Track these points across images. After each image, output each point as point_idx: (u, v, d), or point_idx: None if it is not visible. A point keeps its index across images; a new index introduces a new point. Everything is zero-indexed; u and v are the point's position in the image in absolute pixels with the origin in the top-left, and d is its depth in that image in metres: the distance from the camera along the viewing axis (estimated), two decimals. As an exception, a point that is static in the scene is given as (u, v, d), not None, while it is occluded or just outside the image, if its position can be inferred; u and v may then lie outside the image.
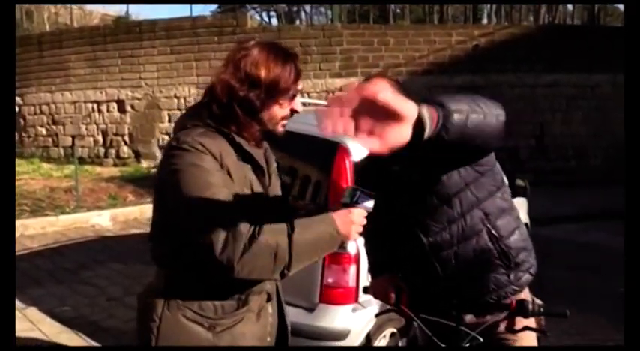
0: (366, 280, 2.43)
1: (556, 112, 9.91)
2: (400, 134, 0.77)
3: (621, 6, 22.23)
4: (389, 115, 0.76)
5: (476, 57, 9.43)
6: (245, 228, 1.20)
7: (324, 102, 4.68)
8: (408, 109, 0.78)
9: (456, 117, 1.03)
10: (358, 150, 2.48)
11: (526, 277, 1.60)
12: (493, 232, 1.54)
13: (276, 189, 1.50)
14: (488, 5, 21.05)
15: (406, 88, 1.64)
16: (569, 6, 22.48)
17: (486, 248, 1.54)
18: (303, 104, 4.16)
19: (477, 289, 1.57)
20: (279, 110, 1.37)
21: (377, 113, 0.75)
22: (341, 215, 1.30)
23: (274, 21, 23.34)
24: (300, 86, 1.41)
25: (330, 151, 2.55)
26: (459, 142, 1.06)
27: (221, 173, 1.26)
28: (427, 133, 0.93)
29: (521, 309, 1.50)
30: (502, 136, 1.22)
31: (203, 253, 1.19)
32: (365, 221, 1.34)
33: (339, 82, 9.32)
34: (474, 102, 1.13)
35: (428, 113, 0.94)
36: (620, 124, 10.47)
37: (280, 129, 1.41)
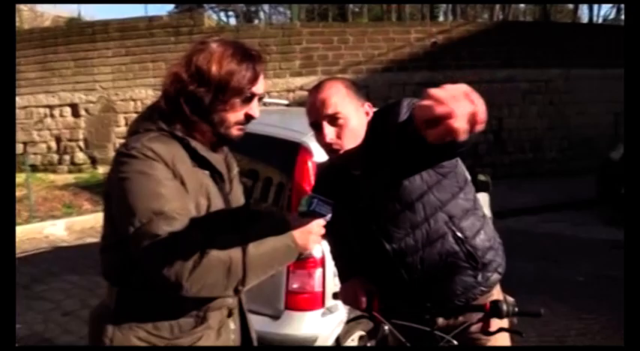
0: (332, 284, 2.37)
1: (513, 107, 10.12)
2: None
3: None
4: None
5: (434, 54, 9.53)
6: (195, 242, 1.11)
7: (284, 101, 4.60)
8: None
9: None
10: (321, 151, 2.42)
11: (494, 276, 1.57)
12: (458, 234, 1.50)
13: (237, 196, 1.41)
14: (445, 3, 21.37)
15: (361, 88, 1.59)
16: (522, 5, 23.10)
17: (452, 251, 1.50)
18: (264, 104, 4.06)
19: (445, 293, 1.53)
20: (231, 113, 1.27)
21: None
22: (298, 225, 1.23)
23: (233, 21, 23.05)
24: (259, 89, 1.31)
25: (291, 152, 2.48)
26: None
27: (173, 182, 1.17)
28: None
29: (496, 310, 1.47)
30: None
31: (149, 269, 1.10)
32: (323, 231, 1.28)
33: (299, 80, 9.25)
34: None
35: None
36: (572, 117, 10.79)
37: (235, 132, 1.31)
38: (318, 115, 1.46)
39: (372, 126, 1.50)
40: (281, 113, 3.43)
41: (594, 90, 10.48)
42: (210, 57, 1.25)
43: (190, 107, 1.25)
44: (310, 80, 8.91)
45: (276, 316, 2.39)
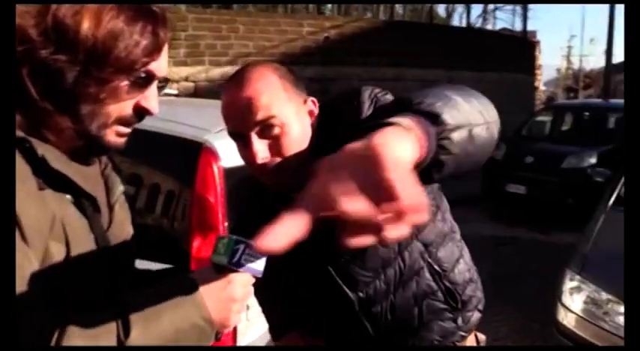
0: (245, 319, 1.92)
1: (401, 106, 10.33)
2: None
3: (442, 10, 24.53)
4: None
5: (326, 49, 9.36)
6: (30, 330, 0.63)
7: (173, 91, 3.98)
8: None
9: (456, 137, 0.70)
10: (229, 152, 1.93)
11: (475, 316, 1.24)
12: (435, 267, 1.14)
13: (122, 232, 0.90)
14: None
15: (298, 76, 1.15)
16: (400, 9, 24.11)
17: (429, 291, 1.14)
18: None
19: (419, 345, 1.16)
20: (112, 102, 0.78)
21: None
22: (213, 290, 0.77)
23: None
24: (160, 68, 0.83)
25: (189, 154, 1.96)
26: (452, 170, 0.75)
27: None
28: None
29: None
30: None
31: None
32: (252, 293, 0.83)
33: (184, 70, 8.49)
34: (471, 101, 0.79)
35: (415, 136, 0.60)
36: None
37: (113, 138, 0.81)
38: (242, 123, 1.00)
39: (320, 129, 1.08)
40: (173, 104, 2.85)
41: (473, 92, 11.10)
42: (79, 7, 0.74)
43: (40, 86, 0.74)
44: (196, 70, 8.24)
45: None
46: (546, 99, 29.63)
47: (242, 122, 1.00)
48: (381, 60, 9.85)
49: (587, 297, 2.68)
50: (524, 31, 15.90)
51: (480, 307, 1.25)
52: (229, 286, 0.78)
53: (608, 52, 15.68)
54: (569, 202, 6.66)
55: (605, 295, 2.59)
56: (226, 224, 1.86)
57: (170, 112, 2.41)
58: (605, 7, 15.45)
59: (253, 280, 0.83)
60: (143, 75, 0.80)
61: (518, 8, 15.70)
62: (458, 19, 17.55)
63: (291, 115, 1.02)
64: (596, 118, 8.46)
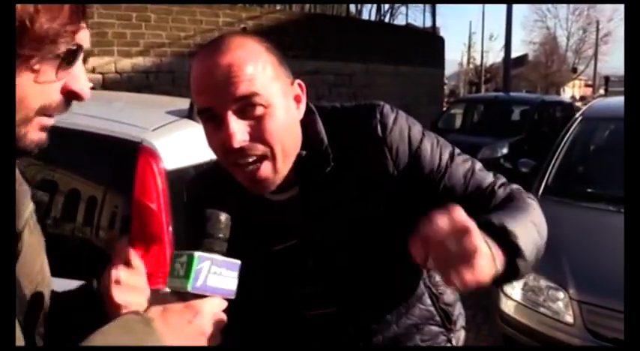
0: None
1: (321, 99, 10.30)
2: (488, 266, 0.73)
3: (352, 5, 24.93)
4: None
5: (245, 41, 9.12)
6: None
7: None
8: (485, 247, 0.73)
9: (523, 265, 0.84)
10: (172, 152, 1.71)
11: (463, 335, 1.19)
12: (434, 290, 1.09)
13: (35, 263, 0.69)
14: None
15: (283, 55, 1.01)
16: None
17: (428, 316, 1.08)
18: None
19: None
20: (37, 89, 0.60)
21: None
22: (176, 325, 0.62)
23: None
24: (86, 38, 0.64)
25: (125, 154, 1.71)
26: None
27: None
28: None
29: None
30: None
31: None
32: (224, 321, 0.68)
33: (91, 61, 7.85)
34: (535, 223, 0.92)
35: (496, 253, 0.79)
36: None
37: (37, 135, 0.62)
38: (218, 98, 0.83)
39: (332, 134, 0.94)
40: (97, 99, 2.50)
41: (388, 85, 11.36)
42: None
43: None
44: (105, 61, 7.65)
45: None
46: (449, 92, 31.17)
47: (218, 96, 0.83)
48: (300, 53, 9.76)
49: (526, 285, 2.75)
50: (434, 26, 16.52)
51: (465, 324, 1.21)
52: (197, 316, 0.63)
53: (507, 48, 16.71)
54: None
55: (544, 282, 2.67)
56: (171, 232, 1.65)
57: (96, 108, 2.10)
58: (504, 5, 16.42)
59: (225, 304, 0.68)
60: (73, 47, 0.61)
61: (428, 5, 16.28)
62: (367, 14, 17.92)
63: (278, 96, 0.87)
64: (503, 111, 8.95)
